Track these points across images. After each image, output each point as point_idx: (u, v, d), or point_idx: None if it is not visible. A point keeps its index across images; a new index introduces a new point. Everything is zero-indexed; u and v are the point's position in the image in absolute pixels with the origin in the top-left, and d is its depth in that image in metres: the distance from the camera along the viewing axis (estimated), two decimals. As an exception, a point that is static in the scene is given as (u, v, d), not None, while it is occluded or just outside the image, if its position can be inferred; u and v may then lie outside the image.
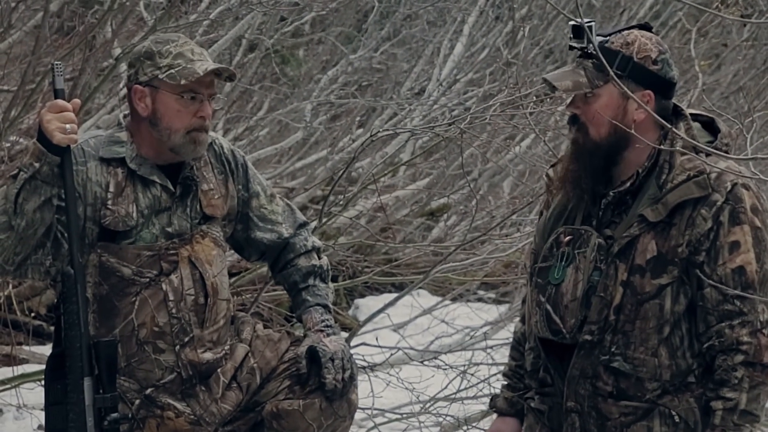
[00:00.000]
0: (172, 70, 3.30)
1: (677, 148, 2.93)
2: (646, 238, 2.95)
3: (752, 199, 2.94)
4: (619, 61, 2.96)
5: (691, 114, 3.07)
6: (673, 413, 2.94)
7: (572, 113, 3.02)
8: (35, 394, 5.18)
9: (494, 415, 3.30)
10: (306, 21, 8.39)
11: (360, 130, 8.50)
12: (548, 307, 3.00)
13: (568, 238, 3.02)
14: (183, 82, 3.30)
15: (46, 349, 6.15)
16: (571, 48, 3.03)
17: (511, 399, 3.23)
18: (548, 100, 5.25)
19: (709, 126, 3.08)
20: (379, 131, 5.00)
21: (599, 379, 2.98)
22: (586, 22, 2.87)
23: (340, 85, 8.13)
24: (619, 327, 2.95)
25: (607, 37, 3.00)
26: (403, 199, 8.25)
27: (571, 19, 2.76)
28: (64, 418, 3.19)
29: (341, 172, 5.13)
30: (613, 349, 2.96)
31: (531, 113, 5.08)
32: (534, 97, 5.07)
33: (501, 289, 8.58)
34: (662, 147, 2.96)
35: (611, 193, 3.01)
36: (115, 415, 3.19)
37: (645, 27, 3.05)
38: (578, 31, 2.97)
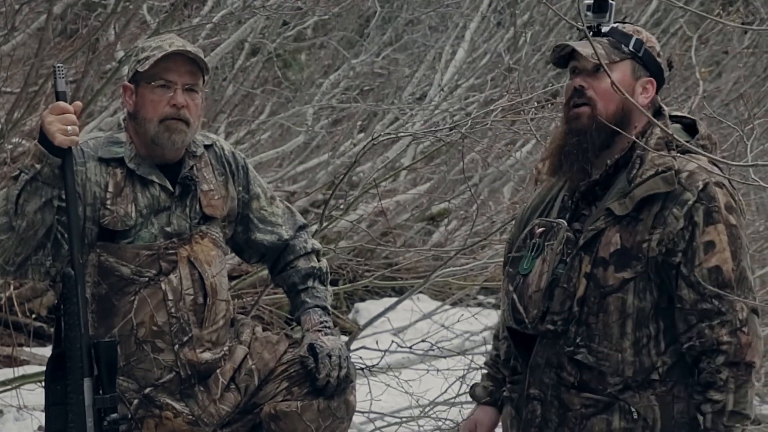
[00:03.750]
0: (146, 61, 3.34)
1: (653, 142, 2.95)
2: (611, 231, 2.95)
3: (726, 197, 2.94)
4: (634, 42, 2.99)
5: (674, 116, 3.09)
6: (632, 409, 2.94)
7: (579, 85, 3.00)
8: (36, 395, 5.18)
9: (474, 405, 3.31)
10: (308, 25, 8.41)
11: (361, 135, 8.51)
12: (514, 296, 3.02)
13: (540, 229, 3.03)
14: (147, 68, 3.32)
15: (47, 351, 6.16)
16: (589, 27, 3.00)
17: (489, 388, 3.24)
18: (549, 105, 5.26)
19: (692, 128, 3.09)
20: (380, 135, 5.02)
21: (563, 370, 2.99)
22: None
23: (342, 89, 8.15)
24: (583, 319, 2.96)
25: (619, 23, 3.03)
26: (404, 203, 8.26)
27: (574, 25, 2.76)
28: (64, 418, 3.19)
29: (342, 176, 5.14)
30: (577, 341, 2.97)
31: (532, 119, 5.09)
32: (535, 103, 5.08)
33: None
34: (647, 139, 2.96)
35: (582, 186, 3.02)
36: (114, 415, 3.19)
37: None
38: (605, 6, 2.98)
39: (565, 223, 3.01)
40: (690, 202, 2.92)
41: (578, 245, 2.97)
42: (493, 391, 3.23)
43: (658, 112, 3.06)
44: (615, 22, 3.03)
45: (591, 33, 3.00)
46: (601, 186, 3.01)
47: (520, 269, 3.03)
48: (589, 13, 3.01)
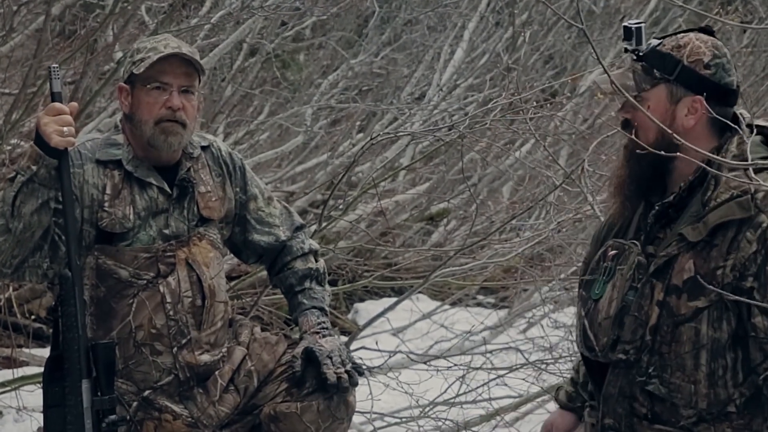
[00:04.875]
0: (141, 63, 3.33)
1: (726, 161, 2.74)
2: (684, 257, 2.83)
3: None
4: (668, 64, 2.85)
5: (760, 125, 2.90)
6: None
7: (624, 118, 2.91)
8: (35, 396, 5.18)
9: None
10: (307, 26, 8.41)
11: (360, 135, 8.51)
12: (585, 322, 2.93)
13: (613, 252, 2.94)
14: (143, 70, 3.32)
15: (46, 352, 6.12)
16: (625, 51, 2.92)
17: (571, 393, 3.17)
18: (548, 105, 5.25)
19: None
20: (379, 134, 5.01)
21: (636, 400, 2.89)
22: (636, 23, 2.83)
23: (341, 89, 8.14)
24: (656, 348, 2.86)
25: (661, 41, 2.90)
26: (403, 203, 8.26)
27: (573, 24, 2.72)
28: (62, 420, 3.19)
29: (341, 176, 5.14)
30: (650, 371, 2.87)
31: (531, 118, 5.08)
32: (534, 103, 5.07)
33: (500, 294, 8.58)
34: (712, 158, 2.72)
35: (656, 206, 2.91)
36: (113, 417, 3.19)
37: (706, 30, 2.92)
38: (629, 33, 2.89)
39: (638, 247, 2.91)
40: (764, 225, 2.78)
41: (649, 271, 2.86)
42: (573, 396, 3.16)
43: (733, 124, 2.87)
44: (659, 37, 2.92)
45: (632, 59, 2.90)
46: (675, 208, 2.89)
47: (591, 294, 2.94)
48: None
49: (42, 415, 3.30)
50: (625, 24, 2.90)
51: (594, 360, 2.95)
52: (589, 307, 2.94)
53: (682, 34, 2.91)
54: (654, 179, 2.88)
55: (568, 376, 3.24)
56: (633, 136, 2.81)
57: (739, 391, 2.83)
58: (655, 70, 2.86)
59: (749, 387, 2.83)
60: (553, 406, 5.27)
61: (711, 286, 2.76)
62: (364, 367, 4.90)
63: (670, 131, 2.66)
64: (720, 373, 2.82)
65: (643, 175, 2.87)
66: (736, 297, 2.75)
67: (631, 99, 2.60)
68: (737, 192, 2.78)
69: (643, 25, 2.88)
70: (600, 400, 2.96)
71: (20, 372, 5.45)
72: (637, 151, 2.78)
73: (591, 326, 2.93)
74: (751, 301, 2.76)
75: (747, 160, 2.75)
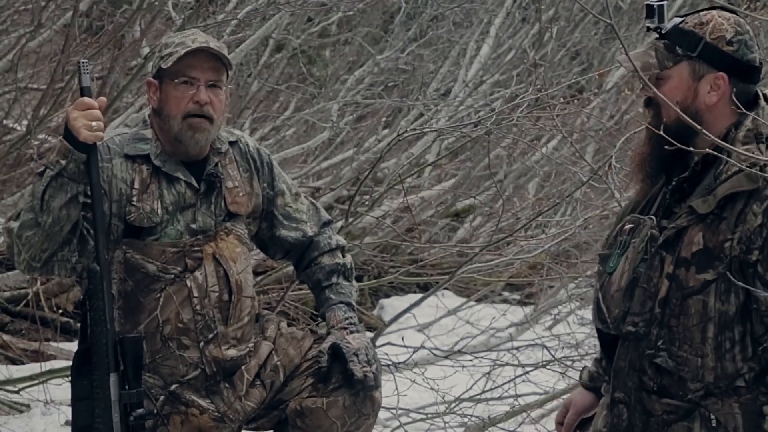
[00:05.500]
0: (169, 58, 3.34)
1: (741, 135, 2.78)
2: (693, 230, 2.83)
3: None
4: (690, 41, 2.85)
5: None
6: (712, 416, 2.83)
7: (646, 96, 2.92)
8: (63, 389, 5.21)
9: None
10: (333, 21, 8.41)
11: (386, 131, 8.50)
12: (599, 295, 2.94)
13: (629, 226, 2.94)
14: (170, 65, 3.32)
15: (74, 346, 6.16)
16: (648, 29, 2.93)
17: (593, 374, 3.15)
18: (575, 101, 5.24)
19: None
20: (406, 131, 5.01)
21: (645, 374, 2.89)
22: (658, 1, 2.83)
23: (366, 85, 8.14)
24: (665, 321, 2.86)
25: (684, 18, 2.90)
26: (429, 199, 8.25)
27: (601, 19, 2.71)
28: (90, 413, 3.20)
29: (368, 171, 5.14)
30: (659, 344, 2.87)
31: (558, 115, 5.06)
32: (561, 99, 5.06)
33: (525, 291, 8.57)
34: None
35: (673, 182, 2.91)
36: (140, 410, 3.20)
37: (726, 9, 2.92)
38: (651, 11, 2.88)
39: (652, 220, 2.91)
40: None
41: (657, 243, 2.86)
42: (595, 377, 3.14)
43: (754, 102, 2.88)
44: (682, 16, 2.92)
45: (655, 36, 2.90)
46: (690, 183, 2.89)
47: (606, 267, 2.94)
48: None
49: (69, 408, 3.32)
50: (648, 2, 2.90)
51: (607, 333, 2.95)
52: (603, 280, 2.94)
53: (705, 12, 2.91)
54: (675, 156, 2.85)
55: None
56: (654, 115, 2.84)
57: (748, 365, 2.82)
58: (677, 48, 2.87)
59: (758, 361, 2.82)
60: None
61: (721, 260, 2.76)
62: (389, 364, 4.92)
63: (683, 114, 2.69)
64: (727, 346, 2.81)
65: (665, 152, 2.85)
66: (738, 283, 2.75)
67: (647, 81, 2.60)
68: (747, 164, 2.78)
69: (665, 2, 2.88)
70: (611, 374, 2.95)
71: (48, 365, 5.48)
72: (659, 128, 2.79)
73: (604, 299, 2.93)
74: (750, 288, 2.76)
75: (760, 136, 2.78)
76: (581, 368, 3.24)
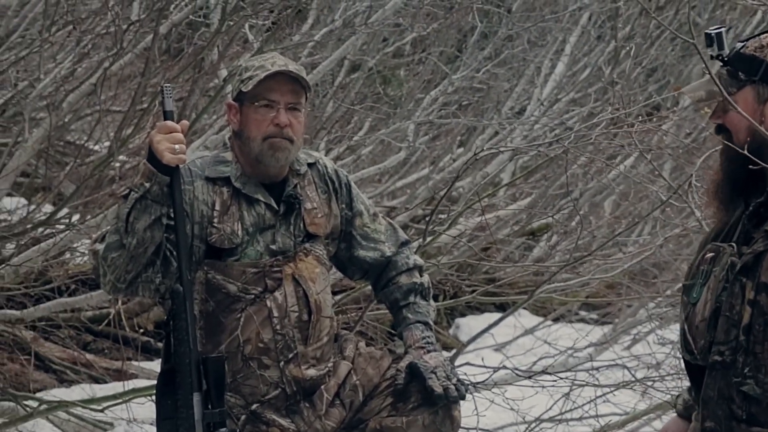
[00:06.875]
0: (249, 81, 3.38)
1: None
2: None
3: None
4: (751, 65, 2.85)
5: None
6: None
7: (716, 123, 2.92)
8: (145, 408, 5.26)
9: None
10: (407, 41, 8.43)
11: (460, 150, 8.50)
12: (685, 326, 2.92)
13: (710, 255, 2.92)
14: (251, 88, 3.36)
15: (154, 365, 6.26)
16: (711, 57, 2.96)
17: (688, 401, 3.13)
18: (653, 119, 5.20)
19: None
20: (483, 149, 5.00)
21: (733, 402, 2.85)
22: (716, 29, 2.82)
23: (440, 104, 8.15)
24: (750, 348, 2.82)
25: (745, 43, 2.90)
26: (504, 218, 8.22)
27: (682, 38, 2.71)
28: (174, 432, 3.25)
29: (445, 190, 5.14)
30: (745, 372, 2.83)
31: (636, 132, 5.03)
32: (639, 117, 5.03)
33: (602, 310, 8.50)
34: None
35: (751, 207, 2.89)
36: (223, 429, 3.22)
37: None
38: (710, 40, 2.89)
39: (732, 248, 2.89)
40: None
41: (737, 269, 2.83)
42: (689, 405, 3.11)
43: None
44: (743, 40, 2.91)
45: (721, 65, 2.91)
46: (766, 207, 2.87)
47: (690, 298, 2.93)
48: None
49: (152, 426, 3.35)
50: (707, 31, 2.90)
51: (694, 364, 2.92)
52: (688, 311, 2.92)
53: (765, 35, 2.90)
54: (750, 180, 2.85)
55: (674, 393, 3.20)
56: (726, 141, 2.83)
57: None
58: (740, 73, 2.86)
59: None
60: (659, 424, 5.21)
61: None
62: (468, 383, 4.90)
63: (761, 128, 2.67)
64: None
65: (738, 177, 2.85)
66: None
67: (727, 97, 2.58)
68: None
69: (723, 30, 2.88)
70: (700, 403, 2.92)
71: (130, 384, 5.54)
72: (731, 153, 2.77)
73: (690, 330, 2.91)
74: None
75: None
76: (671, 394, 3.22)
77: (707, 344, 2.87)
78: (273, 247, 3.42)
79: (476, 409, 4.90)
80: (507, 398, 5.20)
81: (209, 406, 3.23)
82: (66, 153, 7.69)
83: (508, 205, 8.24)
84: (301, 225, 3.46)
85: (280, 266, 3.41)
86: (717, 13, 8.66)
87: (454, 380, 3.39)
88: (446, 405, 3.41)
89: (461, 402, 3.47)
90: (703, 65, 2.85)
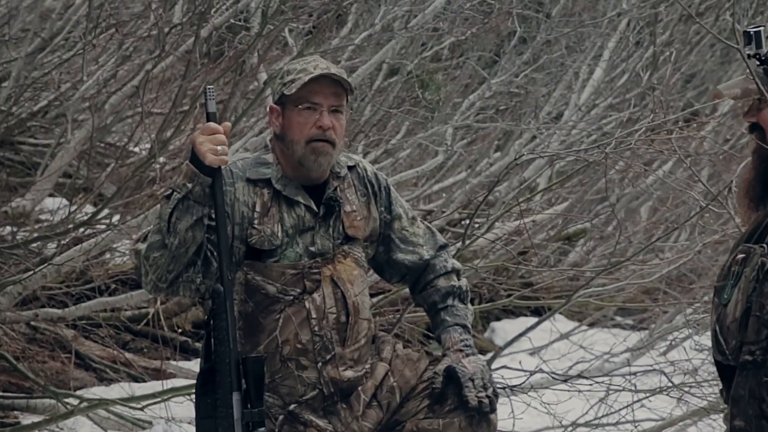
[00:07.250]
0: (292, 84, 3.40)
1: None
2: None
3: None
4: None
5: None
6: None
7: (750, 122, 2.95)
8: (183, 407, 5.29)
9: None
10: (445, 46, 8.45)
11: (497, 154, 8.50)
12: (717, 328, 2.95)
13: (741, 256, 2.95)
14: (294, 91, 3.39)
15: (192, 365, 6.31)
16: (749, 56, 2.97)
17: None
18: (693, 125, 5.19)
19: None
20: (523, 154, 5.01)
21: (764, 401, 2.89)
22: (754, 28, 2.83)
23: (477, 109, 8.16)
24: None
25: None
26: (540, 223, 8.22)
27: (720, 40, 2.72)
28: (213, 431, 3.26)
29: (485, 194, 5.15)
30: None
31: (675, 138, 5.03)
32: (678, 123, 5.02)
33: (638, 316, 8.47)
34: None
35: None
36: (262, 429, 3.24)
37: None
38: (749, 38, 2.92)
39: (762, 249, 2.91)
40: None
41: (765, 270, 2.87)
42: None
43: None
44: None
45: (758, 64, 2.94)
46: None
47: (721, 299, 2.96)
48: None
49: (190, 425, 3.38)
50: (745, 29, 2.90)
51: (726, 365, 2.94)
52: (719, 312, 2.94)
53: None
54: None
55: (711, 399, 3.20)
56: (759, 139, 2.87)
57: None
58: None
59: None
60: (695, 430, 5.19)
61: None
62: (505, 386, 4.91)
63: None
64: None
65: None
66: None
67: (763, 90, 2.59)
68: None
69: (761, 28, 2.90)
70: (730, 402, 2.93)
71: (168, 383, 5.57)
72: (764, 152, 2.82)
73: (721, 331, 2.93)
74: None
75: None
76: (707, 400, 3.22)
77: (738, 344, 2.89)
78: (312, 248, 3.45)
79: (513, 412, 4.91)
80: (543, 402, 5.20)
81: (248, 406, 3.25)
82: (107, 154, 7.77)
83: (545, 210, 8.24)
84: (340, 227, 3.49)
85: (318, 268, 3.43)
86: (757, 19, 8.62)
87: (490, 390, 3.40)
88: (494, 408, 3.42)
89: (495, 412, 3.47)
90: (745, 65, 2.86)
